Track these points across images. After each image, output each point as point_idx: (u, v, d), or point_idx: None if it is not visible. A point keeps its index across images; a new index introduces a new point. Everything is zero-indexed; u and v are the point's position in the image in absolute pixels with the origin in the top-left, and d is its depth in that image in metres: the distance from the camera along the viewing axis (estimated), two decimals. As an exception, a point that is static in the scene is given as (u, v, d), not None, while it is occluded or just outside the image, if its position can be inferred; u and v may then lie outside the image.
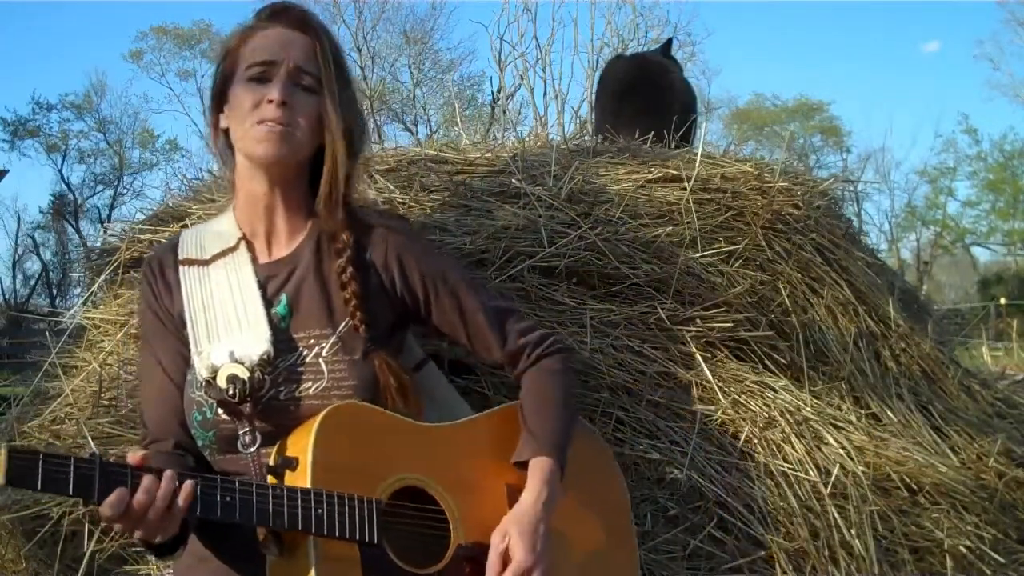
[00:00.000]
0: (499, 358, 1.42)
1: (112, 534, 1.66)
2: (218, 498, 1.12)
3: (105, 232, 2.91)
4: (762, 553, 1.69)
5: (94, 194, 26.05)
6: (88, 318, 2.13)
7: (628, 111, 2.98)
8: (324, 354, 1.29)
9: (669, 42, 3.46)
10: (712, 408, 1.82)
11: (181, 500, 1.09)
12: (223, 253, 1.37)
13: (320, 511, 1.15)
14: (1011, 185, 25.19)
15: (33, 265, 26.13)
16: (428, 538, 1.24)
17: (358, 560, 1.17)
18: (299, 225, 1.38)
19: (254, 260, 1.37)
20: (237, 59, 1.34)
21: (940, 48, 46.65)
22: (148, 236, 2.07)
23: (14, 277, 25.34)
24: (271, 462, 1.22)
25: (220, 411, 1.26)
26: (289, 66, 1.30)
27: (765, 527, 1.71)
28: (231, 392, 1.23)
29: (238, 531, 1.22)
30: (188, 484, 1.10)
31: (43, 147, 25.33)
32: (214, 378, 1.26)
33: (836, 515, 1.76)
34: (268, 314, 1.31)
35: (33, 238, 25.90)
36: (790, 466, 1.80)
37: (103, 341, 2.05)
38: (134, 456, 1.12)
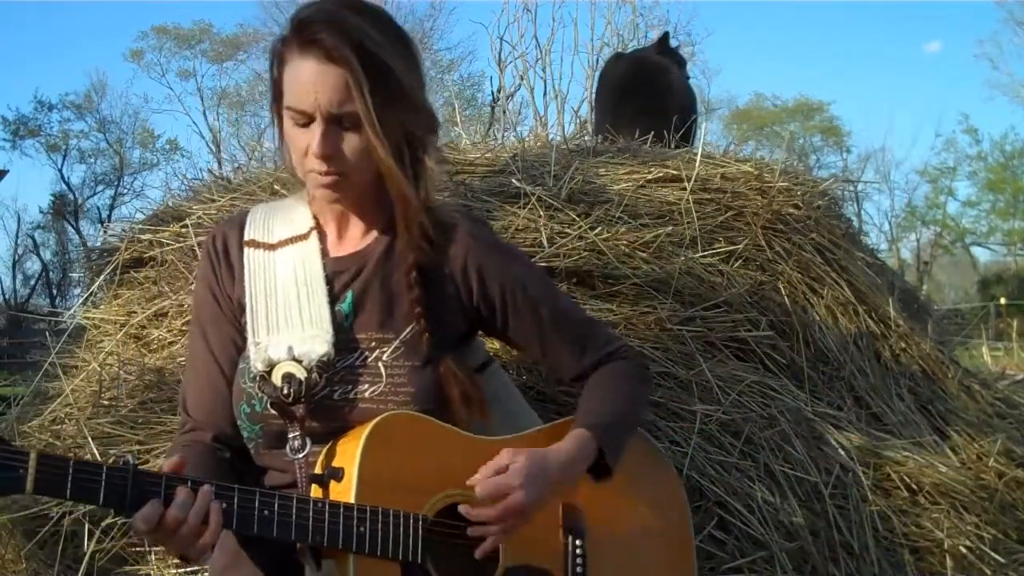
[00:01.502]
0: (574, 372, 1.35)
1: (112, 534, 1.67)
2: (255, 512, 1.07)
3: (105, 232, 2.91)
4: (762, 553, 1.69)
5: (94, 194, 26.06)
6: (88, 318, 2.13)
7: (628, 111, 2.99)
8: (385, 358, 1.24)
9: (665, 37, 3.45)
10: (712, 408, 1.82)
11: (214, 519, 1.04)
12: (292, 240, 1.30)
13: (362, 528, 1.10)
14: (1011, 185, 25.20)
15: (33, 265, 26.14)
16: (474, 557, 1.17)
17: None
18: (373, 220, 1.31)
19: (324, 252, 1.30)
20: (282, 76, 1.23)
21: (942, 48, 46.63)
22: (148, 236, 2.07)
23: (14, 277, 25.34)
24: (317, 469, 1.17)
25: (271, 407, 1.21)
26: (324, 114, 1.19)
27: (765, 527, 1.71)
28: (285, 392, 1.18)
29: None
30: (220, 503, 1.05)
31: (44, 147, 25.36)
32: (269, 373, 1.21)
33: (836, 515, 1.76)
34: (332, 311, 1.25)
35: (33, 238, 25.91)
36: (790, 466, 1.80)
37: (103, 341, 2.06)
38: (169, 462, 1.07)
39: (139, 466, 1.02)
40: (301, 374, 1.19)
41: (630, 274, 1.91)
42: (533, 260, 1.81)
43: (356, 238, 1.31)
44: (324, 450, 1.19)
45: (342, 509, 1.10)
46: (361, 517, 1.10)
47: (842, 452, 1.87)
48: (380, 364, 1.23)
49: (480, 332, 1.39)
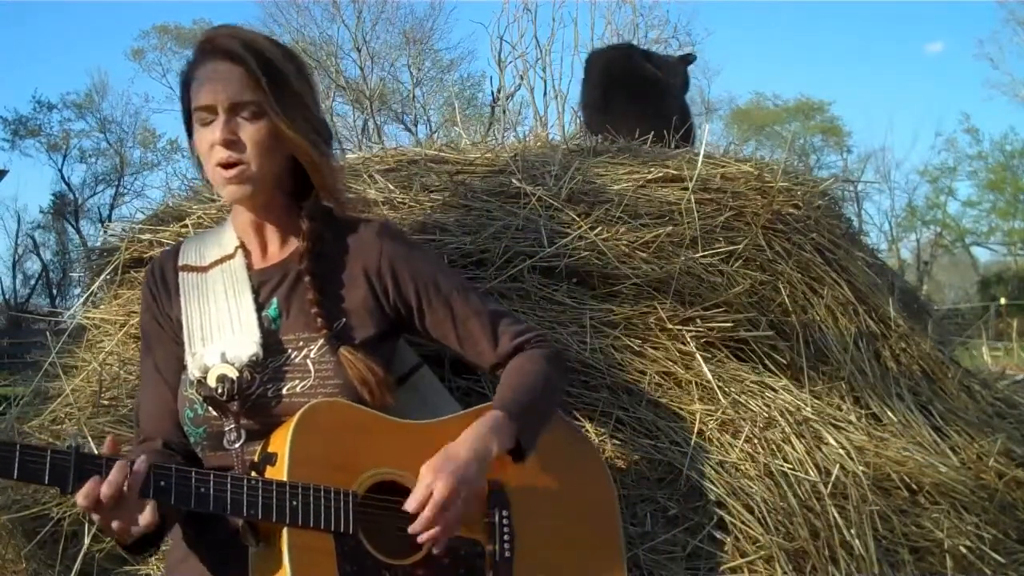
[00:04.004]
0: (491, 361, 1.43)
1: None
2: (192, 488, 1.15)
3: (105, 232, 2.91)
4: (762, 553, 1.69)
5: (95, 194, 26.04)
6: (88, 318, 2.13)
7: (619, 98, 3.00)
8: (312, 355, 1.33)
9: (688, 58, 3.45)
10: (712, 408, 1.82)
11: (150, 507, 1.14)
12: (221, 260, 1.42)
13: (295, 503, 1.18)
14: (1011, 185, 25.19)
15: (33, 265, 26.14)
16: (406, 531, 1.25)
17: (332, 551, 1.19)
18: (292, 232, 1.42)
19: (249, 267, 1.41)
20: (190, 97, 1.36)
21: (943, 49, 46.58)
22: (148, 236, 2.07)
23: (14, 277, 25.34)
24: (255, 459, 1.25)
25: (210, 408, 1.30)
26: (225, 105, 1.31)
27: (765, 527, 1.71)
28: (219, 391, 1.28)
29: (224, 523, 1.26)
30: (151, 472, 1.14)
31: (44, 147, 25.35)
32: (205, 377, 1.31)
33: (836, 515, 1.76)
34: (259, 317, 1.36)
35: (33, 238, 25.91)
36: (790, 466, 1.80)
37: (103, 341, 2.06)
38: (108, 445, 1.17)
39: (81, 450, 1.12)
40: (233, 373, 1.30)
41: (630, 274, 1.91)
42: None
43: (277, 250, 1.43)
44: (261, 444, 1.28)
45: (275, 485, 1.19)
46: (293, 492, 1.18)
47: (842, 452, 1.87)
48: (308, 361, 1.33)
49: (401, 331, 1.47)
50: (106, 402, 1.88)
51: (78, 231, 24.66)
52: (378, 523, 1.25)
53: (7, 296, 25.11)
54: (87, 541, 1.66)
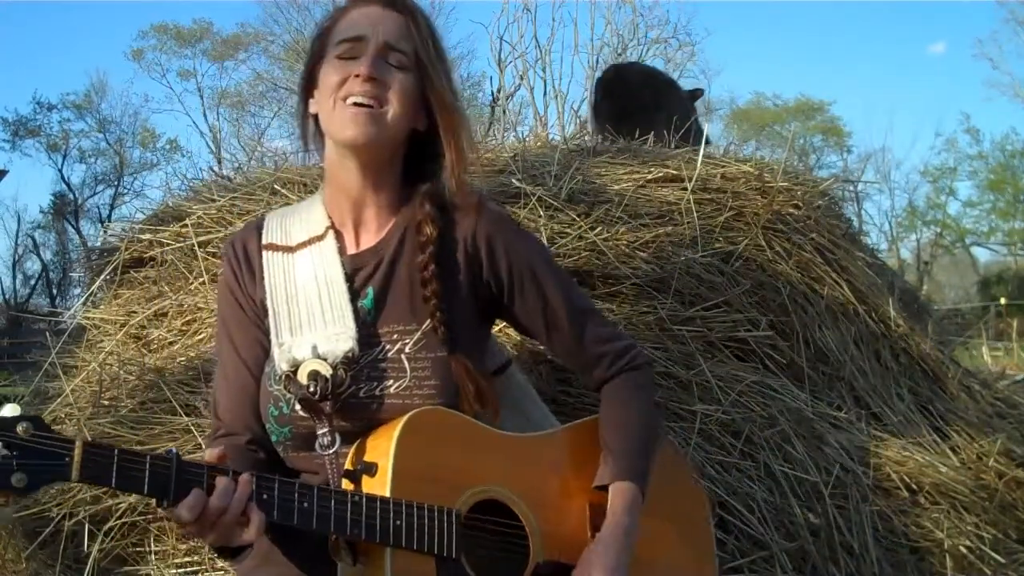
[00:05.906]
0: (576, 360, 1.36)
1: (112, 535, 1.66)
2: (295, 504, 1.07)
3: (105, 232, 2.91)
4: (762, 553, 1.69)
5: (94, 194, 26.04)
6: (88, 318, 2.13)
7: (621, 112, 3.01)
8: (407, 350, 1.23)
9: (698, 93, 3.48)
10: (712, 408, 1.82)
11: (255, 518, 1.05)
12: (309, 241, 1.31)
13: (399, 522, 1.10)
14: (1012, 185, 25.20)
15: (33, 265, 26.13)
16: (507, 553, 1.19)
17: (434, 574, 1.13)
18: (388, 216, 1.31)
19: (342, 251, 1.29)
20: (327, 40, 1.28)
21: (946, 49, 46.53)
22: (148, 236, 2.07)
23: (14, 277, 25.33)
24: (349, 465, 1.17)
25: (298, 408, 1.20)
26: (378, 41, 1.23)
27: (765, 527, 1.71)
28: (312, 389, 1.17)
29: (308, 534, 1.15)
30: (261, 494, 1.06)
31: (44, 147, 25.35)
32: (295, 372, 1.20)
33: (836, 515, 1.76)
34: (354, 308, 1.25)
35: (33, 238, 25.90)
36: (790, 466, 1.80)
37: (103, 341, 2.06)
38: (212, 453, 1.09)
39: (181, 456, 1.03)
40: (327, 371, 1.19)
41: (630, 274, 1.91)
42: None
43: (372, 232, 1.31)
44: (353, 447, 1.19)
45: (379, 503, 1.10)
46: (397, 510, 1.10)
47: (842, 452, 1.87)
48: (403, 357, 1.22)
49: (494, 316, 1.38)
50: (106, 402, 1.88)
51: (78, 231, 24.67)
52: (480, 544, 1.17)
53: (7, 296, 25.11)
54: (87, 543, 1.65)
